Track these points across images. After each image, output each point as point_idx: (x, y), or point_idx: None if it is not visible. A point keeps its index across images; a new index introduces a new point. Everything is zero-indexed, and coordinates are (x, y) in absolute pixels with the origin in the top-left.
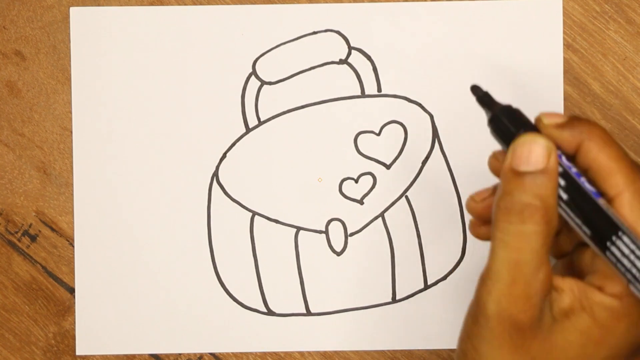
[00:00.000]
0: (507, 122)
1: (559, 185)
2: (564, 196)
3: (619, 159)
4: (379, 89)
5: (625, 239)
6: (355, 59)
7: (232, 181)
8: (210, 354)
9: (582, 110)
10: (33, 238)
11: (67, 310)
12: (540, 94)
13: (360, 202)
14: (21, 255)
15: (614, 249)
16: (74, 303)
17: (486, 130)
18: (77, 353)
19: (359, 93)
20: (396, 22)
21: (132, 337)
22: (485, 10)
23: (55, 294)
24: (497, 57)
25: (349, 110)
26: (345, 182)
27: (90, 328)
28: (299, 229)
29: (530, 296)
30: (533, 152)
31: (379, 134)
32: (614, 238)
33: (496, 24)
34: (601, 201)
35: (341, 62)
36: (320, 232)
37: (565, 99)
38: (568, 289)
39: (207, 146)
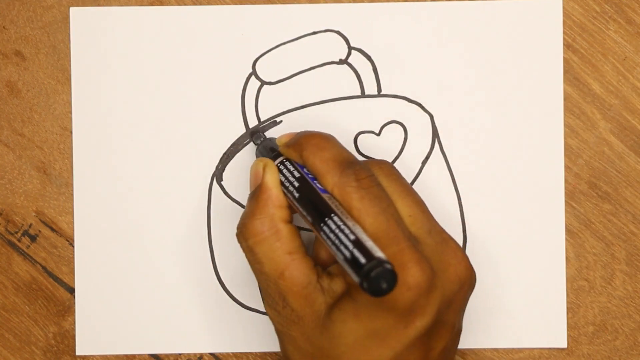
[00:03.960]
0: (263, 151)
1: (294, 187)
2: (296, 195)
3: (328, 161)
4: (379, 89)
5: (335, 218)
6: (355, 59)
7: (232, 181)
8: (210, 354)
9: (582, 110)
10: (33, 238)
11: (67, 310)
12: (540, 94)
13: (302, 228)
14: (21, 255)
15: (325, 228)
16: (74, 303)
17: (486, 131)
18: (77, 353)
19: (359, 93)
20: (396, 22)
21: (132, 337)
22: (485, 10)
23: (55, 294)
24: (497, 57)
25: (349, 110)
26: None
27: (90, 328)
28: (298, 229)
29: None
30: (252, 174)
31: (379, 134)
32: (326, 219)
33: (496, 24)
34: (326, 195)
35: (341, 62)
36: None
37: (565, 99)
38: (337, 272)
39: (207, 146)
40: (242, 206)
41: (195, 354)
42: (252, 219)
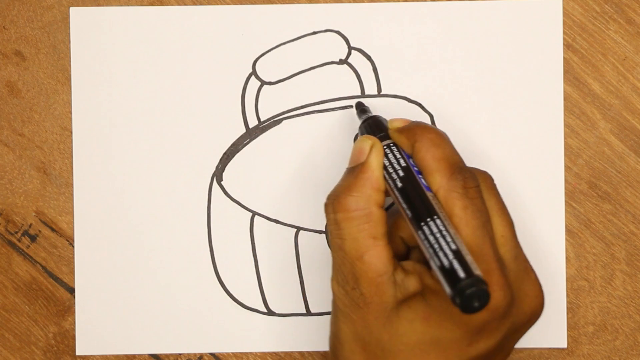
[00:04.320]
0: (368, 128)
1: (398, 176)
2: (399, 184)
3: (440, 160)
4: (379, 89)
5: (437, 221)
6: (355, 59)
7: (232, 181)
8: (210, 354)
9: (582, 110)
10: (33, 238)
11: (67, 310)
12: (540, 94)
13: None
14: (21, 255)
15: (425, 228)
16: (74, 303)
17: (486, 131)
18: (77, 353)
19: (359, 93)
20: (396, 22)
21: (132, 337)
22: (485, 10)
23: (55, 294)
24: (497, 57)
25: (349, 111)
26: None
27: (90, 328)
28: (299, 229)
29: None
30: (356, 150)
31: None
32: (428, 220)
33: (496, 24)
34: (429, 193)
35: (341, 62)
36: (320, 232)
37: (565, 99)
38: (413, 270)
39: (207, 146)
40: (242, 206)
41: (195, 354)
42: (347, 194)
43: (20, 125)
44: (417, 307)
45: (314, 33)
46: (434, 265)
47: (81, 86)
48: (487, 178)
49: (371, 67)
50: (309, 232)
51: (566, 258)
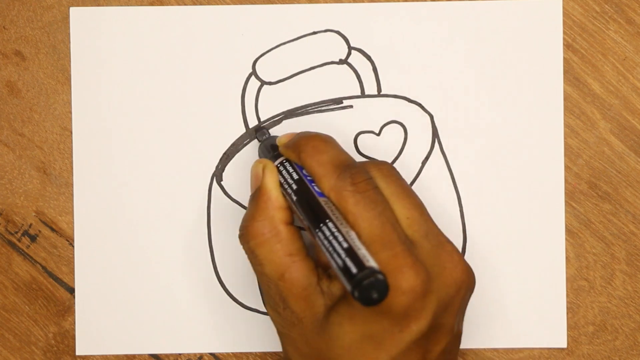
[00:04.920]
0: (264, 151)
1: (292, 190)
2: (294, 197)
3: (325, 164)
4: (379, 89)
5: (329, 224)
6: (355, 59)
7: (232, 181)
8: (210, 354)
9: (582, 110)
10: (33, 238)
11: (67, 310)
12: (540, 94)
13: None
14: (21, 255)
15: (320, 234)
16: (74, 303)
17: (486, 131)
18: (77, 353)
19: (359, 93)
20: (396, 22)
21: (132, 337)
22: (485, 10)
23: (55, 294)
24: (497, 56)
25: (348, 111)
26: None
27: (90, 328)
28: (298, 229)
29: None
30: (252, 176)
31: (379, 134)
32: (321, 225)
33: (496, 24)
34: (323, 199)
35: (341, 62)
36: None
37: (565, 99)
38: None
39: (207, 146)
40: (242, 206)
41: (195, 354)
42: (253, 221)
43: (20, 125)
44: (342, 310)
45: (314, 33)
46: (333, 267)
47: (81, 86)
48: (383, 167)
49: (371, 67)
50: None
51: (566, 258)
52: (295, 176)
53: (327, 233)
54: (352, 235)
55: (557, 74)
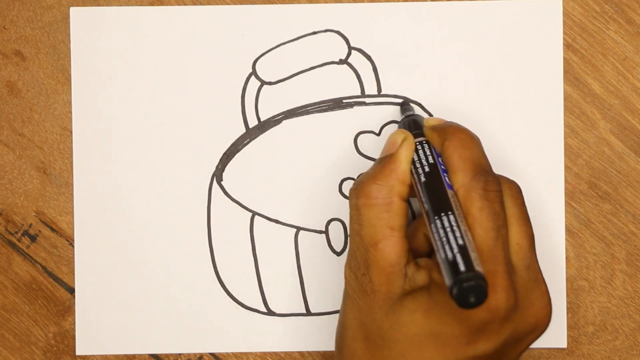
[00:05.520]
0: (407, 125)
1: (423, 171)
2: (423, 179)
3: (465, 160)
4: (379, 89)
5: (450, 217)
6: (355, 59)
7: (232, 181)
8: (210, 354)
9: (582, 110)
10: (33, 238)
11: (67, 310)
12: (540, 94)
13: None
14: (21, 255)
15: (438, 222)
16: (74, 303)
17: (486, 130)
18: (77, 353)
19: (359, 93)
20: (396, 22)
21: (132, 337)
22: (485, 10)
23: (55, 294)
24: (497, 56)
25: (349, 111)
26: (345, 182)
27: (90, 328)
28: (299, 229)
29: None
30: (389, 142)
31: (379, 134)
32: (442, 214)
33: (496, 24)
34: (450, 192)
35: (341, 62)
36: (320, 232)
37: (565, 99)
38: (425, 266)
39: (207, 146)
40: (242, 206)
41: (195, 354)
42: (372, 182)
43: (20, 125)
44: (420, 299)
45: (314, 33)
46: (439, 257)
47: (81, 86)
48: (514, 187)
49: (371, 67)
50: (309, 232)
51: (566, 258)
52: (431, 160)
53: (447, 224)
54: (469, 236)
55: (557, 74)
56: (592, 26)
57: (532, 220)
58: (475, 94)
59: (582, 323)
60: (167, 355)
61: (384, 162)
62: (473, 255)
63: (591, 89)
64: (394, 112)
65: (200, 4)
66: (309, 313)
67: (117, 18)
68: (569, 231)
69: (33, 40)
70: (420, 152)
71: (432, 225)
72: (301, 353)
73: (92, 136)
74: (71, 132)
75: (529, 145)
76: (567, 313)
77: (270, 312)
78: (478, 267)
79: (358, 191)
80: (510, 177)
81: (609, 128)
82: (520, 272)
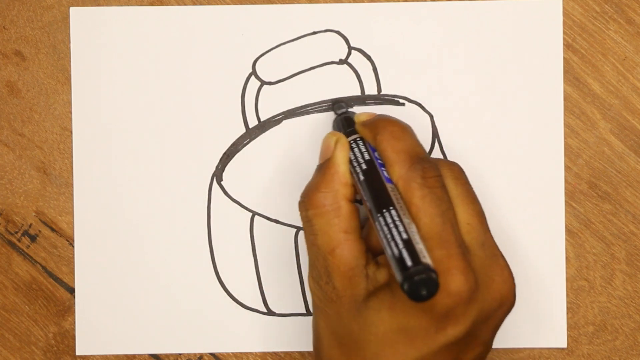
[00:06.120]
0: (339, 124)
1: (361, 169)
2: (362, 177)
3: (400, 152)
4: (379, 89)
5: (392, 212)
6: (355, 59)
7: (232, 181)
8: (210, 354)
9: (582, 110)
10: (33, 238)
11: (67, 310)
12: (540, 94)
13: (361, 202)
14: (21, 255)
15: (381, 219)
16: (74, 303)
17: (486, 131)
18: (77, 353)
19: (359, 93)
20: (396, 22)
21: (132, 337)
22: (485, 10)
23: (55, 294)
24: (497, 56)
25: (349, 111)
26: None
27: (90, 328)
28: (299, 229)
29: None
30: (323, 147)
31: None
32: (383, 211)
33: (496, 24)
34: (390, 185)
35: (341, 62)
36: None
37: (565, 99)
38: (384, 263)
39: (207, 146)
40: (242, 206)
41: (195, 354)
42: (316, 192)
43: (20, 125)
44: (383, 297)
45: (314, 33)
46: (387, 255)
47: (81, 86)
48: (454, 168)
49: (371, 67)
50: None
51: (566, 258)
52: (367, 156)
53: (389, 220)
54: (413, 228)
55: (557, 74)
56: (592, 26)
57: (532, 220)
58: (475, 94)
59: (582, 323)
60: (167, 355)
61: (323, 168)
62: (419, 247)
63: (591, 89)
64: (394, 112)
65: (200, 4)
66: (309, 313)
67: (117, 18)
68: (569, 231)
69: (33, 40)
70: (356, 150)
71: (376, 222)
72: (301, 353)
73: (92, 136)
74: (71, 132)
75: (529, 145)
76: (567, 313)
77: (270, 312)
78: (425, 259)
79: (306, 203)
80: (511, 178)
81: (609, 128)
82: (475, 251)
